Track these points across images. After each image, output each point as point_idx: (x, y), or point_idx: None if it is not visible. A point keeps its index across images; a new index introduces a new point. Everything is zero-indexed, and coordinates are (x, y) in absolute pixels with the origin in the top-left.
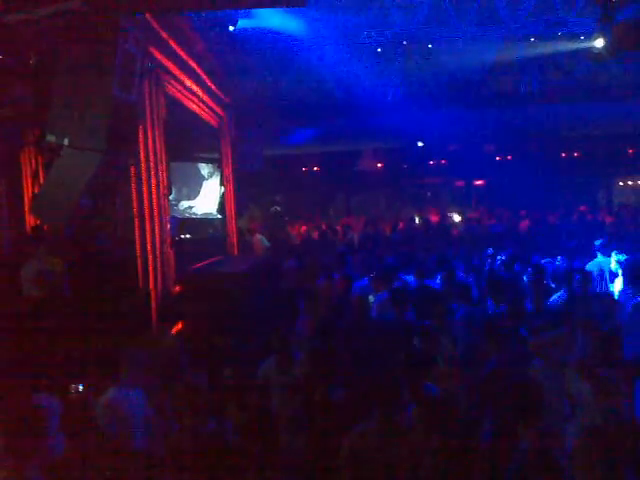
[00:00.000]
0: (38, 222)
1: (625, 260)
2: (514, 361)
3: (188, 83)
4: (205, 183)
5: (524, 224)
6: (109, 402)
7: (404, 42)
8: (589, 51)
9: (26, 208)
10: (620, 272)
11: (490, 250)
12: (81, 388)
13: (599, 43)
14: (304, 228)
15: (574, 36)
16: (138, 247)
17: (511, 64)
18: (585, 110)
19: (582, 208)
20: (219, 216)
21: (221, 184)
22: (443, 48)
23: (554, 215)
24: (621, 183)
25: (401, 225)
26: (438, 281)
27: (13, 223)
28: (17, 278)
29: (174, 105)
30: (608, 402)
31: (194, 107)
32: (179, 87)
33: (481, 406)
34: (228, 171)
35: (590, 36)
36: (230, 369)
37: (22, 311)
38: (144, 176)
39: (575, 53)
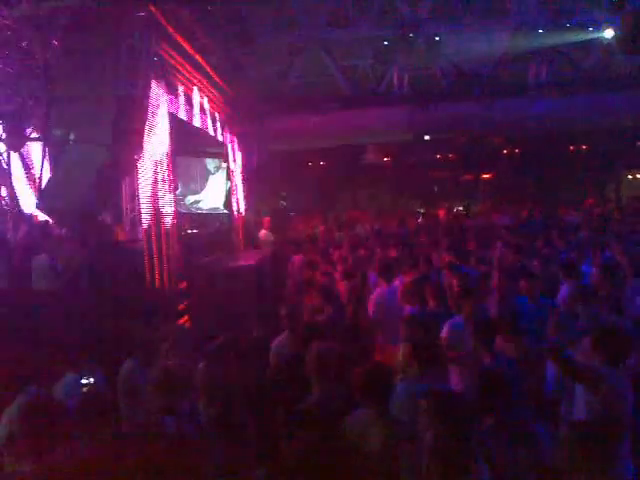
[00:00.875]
0: (46, 217)
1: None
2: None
3: (195, 77)
4: (211, 178)
5: (524, 214)
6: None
7: (410, 35)
8: (598, 42)
9: (34, 202)
10: None
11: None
12: (92, 380)
13: (608, 34)
14: (322, 228)
15: (583, 27)
16: (145, 242)
17: (519, 56)
18: (594, 102)
19: (590, 201)
20: (225, 211)
21: (227, 179)
22: (450, 40)
23: (562, 208)
24: (630, 176)
25: (408, 220)
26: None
27: (22, 217)
28: (27, 271)
29: (180, 99)
30: (596, 397)
31: (200, 101)
32: (185, 81)
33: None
34: (235, 166)
35: (599, 27)
36: (204, 363)
37: (32, 303)
38: (150, 170)
39: (584, 44)
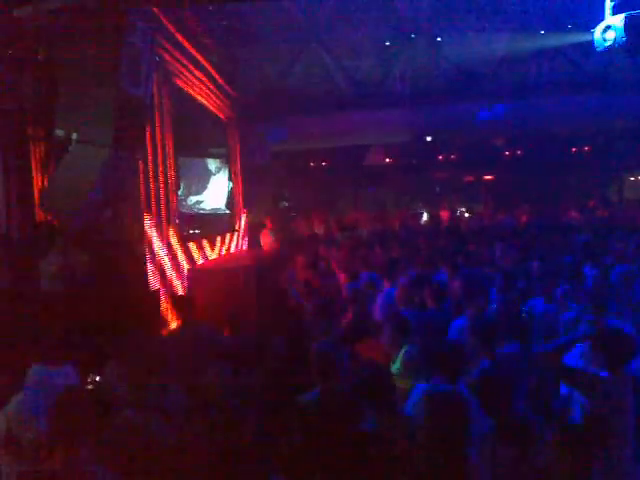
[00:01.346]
0: (48, 217)
1: None
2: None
3: (196, 77)
4: (213, 178)
5: (523, 218)
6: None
7: (412, 35)
8: (599, 44)
9: (36, 203)
10: None
11: (500, 245)
12: (98, 378)
13: (609, 36)
14: (324, 229)
15: (584, 28)
16: (146, 242)
17: (520, 57)
18: (596, 104)
19: (591, 203)
20: (227, 211)
21: (229, 179)
22: (452, 41)
23: (565, 210)
24: (632, 178)
25: (410, 220)
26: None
27: (23, 218)
28: (31, 272)
29: (182, 99)
30: (588, 401)
31: (202, 101)
32: (187, 81)
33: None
34: (236, 166)
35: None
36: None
37: (39, 305)
38: (152, 171)
39: (585, 46)
